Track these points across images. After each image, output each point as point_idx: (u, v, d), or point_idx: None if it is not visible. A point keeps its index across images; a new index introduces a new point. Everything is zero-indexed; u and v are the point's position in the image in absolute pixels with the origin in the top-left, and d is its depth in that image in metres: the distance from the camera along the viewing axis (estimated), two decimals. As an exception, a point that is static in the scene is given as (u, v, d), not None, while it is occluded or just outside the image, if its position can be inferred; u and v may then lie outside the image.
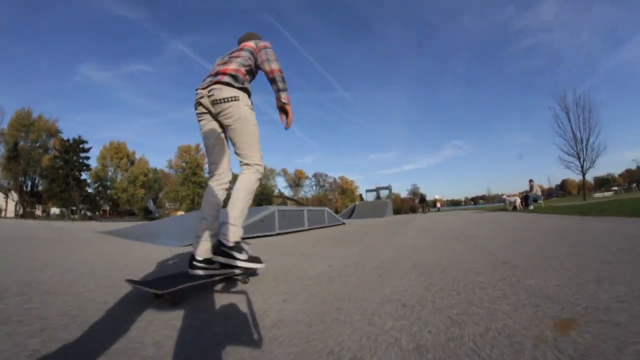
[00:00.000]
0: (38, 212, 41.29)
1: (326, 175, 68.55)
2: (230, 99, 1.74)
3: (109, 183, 47.41)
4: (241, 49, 1.96)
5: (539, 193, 14.01)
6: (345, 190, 68.61)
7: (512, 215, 9.23)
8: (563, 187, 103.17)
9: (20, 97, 66.03)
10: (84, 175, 41.71)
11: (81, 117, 73.35)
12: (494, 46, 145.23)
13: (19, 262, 2.54)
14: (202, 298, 1.59)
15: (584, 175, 23.06)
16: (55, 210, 42.20)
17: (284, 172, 65.68)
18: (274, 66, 1.86)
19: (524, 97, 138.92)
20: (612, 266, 1.74)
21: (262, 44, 1.96)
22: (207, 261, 1.71)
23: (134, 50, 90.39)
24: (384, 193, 24.18)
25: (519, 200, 13.76)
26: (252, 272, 2.00)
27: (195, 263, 1.69)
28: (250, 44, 1.98)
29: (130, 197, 46.94)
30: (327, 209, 8.97)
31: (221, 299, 1.57)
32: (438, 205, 35.74)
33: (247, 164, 1.82)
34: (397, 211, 23.56)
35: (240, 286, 1.81)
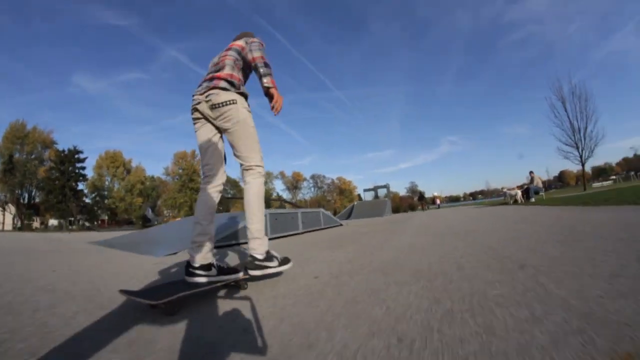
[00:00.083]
0: (36, 224, 40.88)
1: (324, 177, 68.35)
2: (228, 103, 1.75)
3: (106, 192, 47.10)
4: (228, 49, 1.96)
5: (540, 185, 13.71)
6: (343, 190, 68.29)
7: (515, 209, 8.90)
8: (561, 179, 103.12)
9: (14, 109, 65.59)
10: (80, 186, 41.53)
11: (77, 128, 73.22)
12: (486, 39, 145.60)
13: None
14: (198, 306, 1.53)
15: (583, 165, 22.79)
16: (53, 221, 41.80)
17: (282, 175, 65.45)
18: (256, 54, 1.84)
19: (518, 89, 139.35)
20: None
21: (251, 39, 1.94)
22: (203, 267, 1.67)
23: (127, 58, 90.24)
24: (382, 192, 23.80)
25: (519, 194, 13.43)
26: (250, 279, 1.92)
27: (191, 270, 1.65)
28: (239, 42, 1.98)
29: (128, 206, 46.60)
30: (322, 210, 8.63)
31: (219, 308, 1.49)
32: (438, 202, 35.50)
33: (248, 168, 1.82)
34: (396, 209, 23.21)
35: (240, 292, 1.75)
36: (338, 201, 64.53)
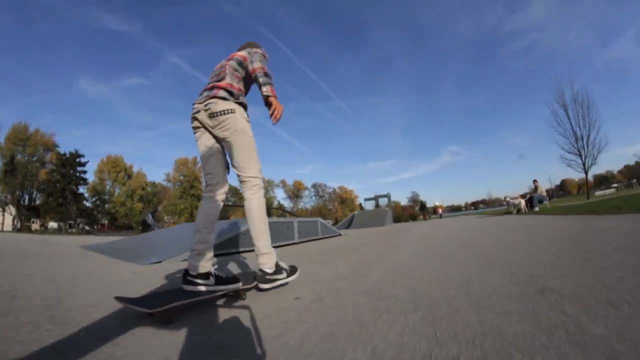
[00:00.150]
0: (35, 225, 40.67)
1: (325, 186, 68.04)
2: (227, 112, 1.74)
3: (106, 197, 47.04)
4: (230, 59, 1.94)
5: (544, 194, 13.37)
6: (344, 200, 67.90)
7: (520, 219, 8.56)
8: (563, 187, 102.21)
9: (17, 111, 66.06)
10: (81, 189, 41.47)
11: (78, 131, 73.04)
12: (486, 49, 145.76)
13: None
14: (195, 315, 1.49)
15: (586, 173, 22.40)
16: (53, 224, 41.61)
17: (283, 184, 65.13)
18: (256, 65, 1.83)
19: (519, 98, 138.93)
20: None
21: (254, 50, 1.93)
22: (201, 276, 1.65)
23: (129, 63, 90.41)
24: (383, 201, 23.41)
25: (523, 203, 13.09)
26: (248, 289, 1.91)
27: (189, 278, 1.65)
28: (242, 53, 1.96)
29: (128, 211, 46.49)
30: (320, 219, 8.34)
31: (215, 317, 1.47)
32: (440, 211, 35.08)
33: (245, 179, 1.79)
34: (397, 219, 22.82)
35: (239, 302, 1.73)
36: (339, 210, 64.06)
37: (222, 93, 1.78)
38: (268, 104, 1.80)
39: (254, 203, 1.78)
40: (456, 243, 3.98)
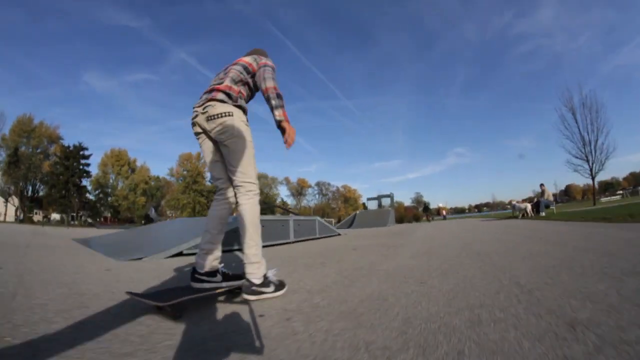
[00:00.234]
0: (38, 217, 40.82)
1: (329, 184, 67.66)
2: (224, 115, 1.70)
3: (109, 190, 47.16)
4: (235, 64, 1.91)
5: (551, 198, 12.92)
6: (348, 199, 67.48)
7: (528, 223, 8.15)
8: (567, 193, 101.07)
9: (23, 104, 66.43)
10: (84, 182, 41.60)
11: (84, 124, 73.44)
12: (494, 52, 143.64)
13: None
14: (203, 310, 1.53)
15: (593, 178, 21.92)
16: (55, 216, 41.77)
17: (287, 181, 64.83)
18: (269, 84, 1.79)
19: (526, 102, 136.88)
20: None
21: (262, 61, 1.89)
22: (208, 274, 1.71)
23: (136, 58, 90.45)
24: (385, 201, 23.04)
25: (529, 207, 12.67)
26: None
27: (197, 276, 1.70)
28: (247, 59, 1.92)
29: (130, 205, 46.61)
30: (318, 218, 8.01)
31: (220, 312, 1.50)
32: (444, 213, 34.63)
33: (240, 184, 1.73)
34: (400, 220, 22.39)
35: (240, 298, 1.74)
36: (342, 209, 63.62)
37: (221, 95, 1.74)
38: (281, 129, 1.77)
39: (248, 209, 1.72)
40: (462, 249, 3.65)
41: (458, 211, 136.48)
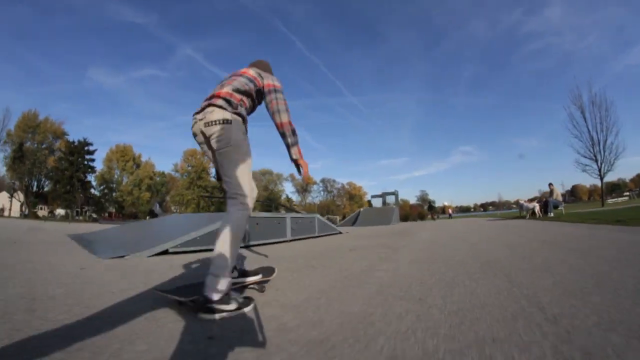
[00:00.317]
0: (43, 212, 41.05)
1: (334, 181, 67.20)
2: (221, 122, 1.62)
3: (114, 185, 47.26)
4: (240, 75, 1.85)
5: (560, 198, 12.45)
6: (353, 196, 67.00)
7: (538, 225, 7.75)
8: (573, 193, 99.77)
9: (29, 99, 66.81)
10: (88, 177, 41.70)
11: (89, 120, 74.16)
12: (502, 50, 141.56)
13: None
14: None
15: (602, 179, 21.27)
16: (60, 211, 41.99)
17: (292, 177, 64.52)
18: (284, 119, 1.78)
19: (533, 100, 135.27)
20: None
21: (269, 82, 1.84)
22: None
23: (143, 54, 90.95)
24: (390, 199, 22.61)
25: (538, 207, 12.21)
26: (267, 281, 1.98)
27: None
28: (251, 72, 1.87)
29: (135, 200, 46.65)
30: (317, 215, 7.70)
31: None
32: (450, 211, 34.17)
33: (233, 196, 1.61)
34: (405, 218, 21.93)
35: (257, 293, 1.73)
36: (347, 206, 63.17)
37: (220, 102, 1.68)
38: (297, 166, 1.86)
39: (234, 220, 1.57)
40: (468, 253, 3.32)
41: (463, 210, 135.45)
